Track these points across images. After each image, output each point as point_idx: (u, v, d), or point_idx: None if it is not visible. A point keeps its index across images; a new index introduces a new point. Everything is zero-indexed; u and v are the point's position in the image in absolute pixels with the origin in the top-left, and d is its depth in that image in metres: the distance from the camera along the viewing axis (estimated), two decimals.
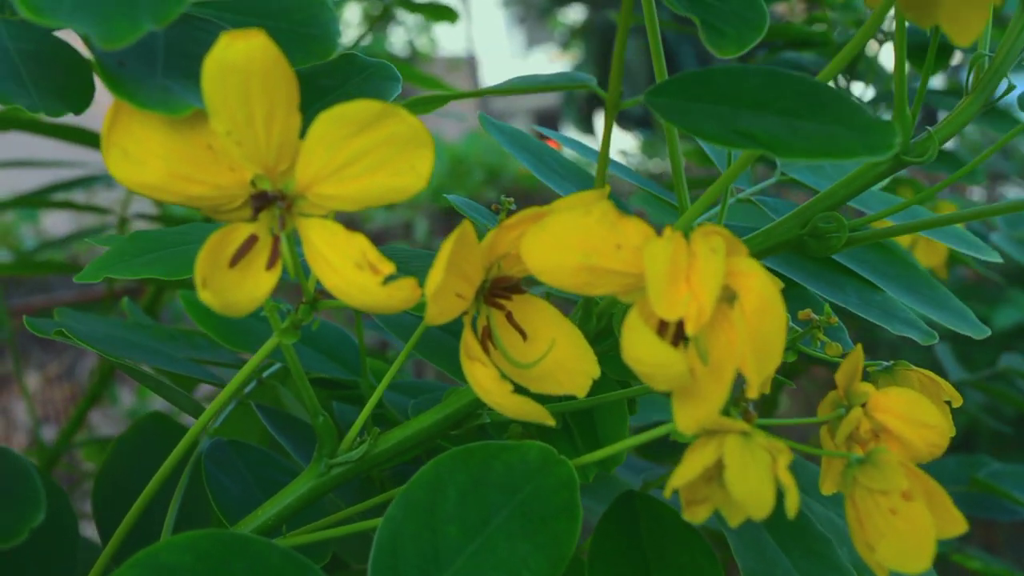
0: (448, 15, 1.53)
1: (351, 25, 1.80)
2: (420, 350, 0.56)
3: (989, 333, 0.64)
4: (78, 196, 1.39)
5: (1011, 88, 0.54)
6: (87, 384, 1.25)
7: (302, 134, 0.40)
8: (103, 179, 1.34)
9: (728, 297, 0.40)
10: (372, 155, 0.39)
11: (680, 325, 0.40)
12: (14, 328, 1.34)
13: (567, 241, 0.41)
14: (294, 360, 0.49)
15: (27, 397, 1.32)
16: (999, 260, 0.68)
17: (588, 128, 7.91)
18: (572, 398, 0.51)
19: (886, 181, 0.58)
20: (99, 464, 0.70)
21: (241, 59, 0.37)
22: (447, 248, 0.40)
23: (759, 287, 0.40)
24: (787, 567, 0.56)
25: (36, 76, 0.46)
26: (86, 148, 1.20)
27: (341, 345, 0.71)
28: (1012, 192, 3.51)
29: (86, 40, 0.39)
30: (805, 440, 0.56)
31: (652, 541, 0.60)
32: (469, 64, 11.55)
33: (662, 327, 0.41)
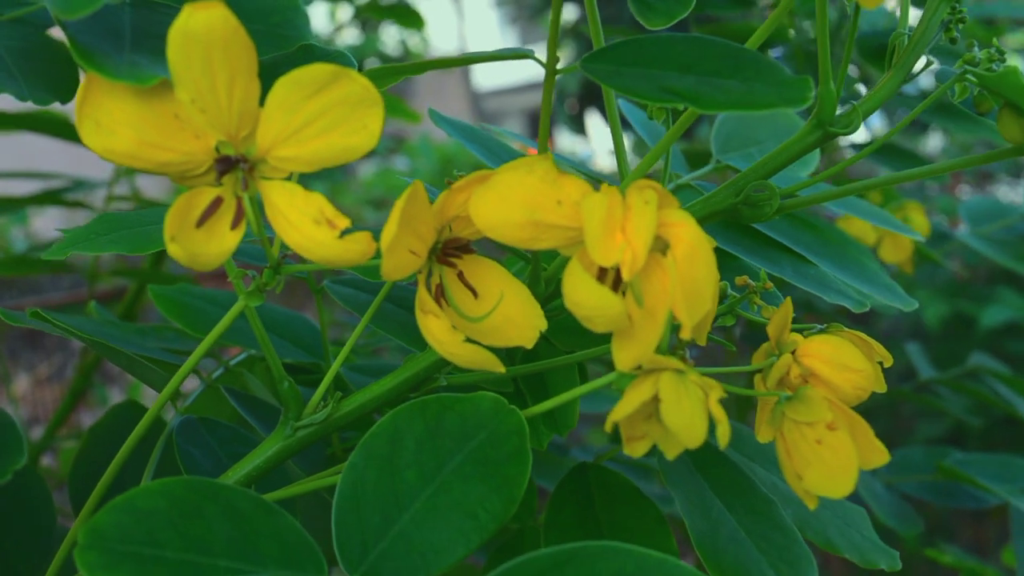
0: (416, 22, 1.56)
1: (343, 25, 1.83)
2: (376, 322, 0.59)
3: (917, 306, 0.68)
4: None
5: (929, 64, 0.58)
6: (72, 383, 1.27)
7: (262, 103, 0.43)
8: (86, 185, 1.36)
9: (662, 247, 0.44)
10: (327, 116, 0.42)
11: (618, 273, 0.44)
12: (5, 329, 1.36)
13: (511, 198, 0.44)
14: (258, 325, 0.51)
15: (9, 392, 1.34)
16: (920, 238, 0.72)
17: (580, 128, 7.93)
18: (527, 359, 0.55)
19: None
20: (75, 451, 0.72)
21: (202, 28, 0.40)
22: (399, 204, 0.43)
23: (689, 236, 0.43)
24: (732, 526, 0.59)
25: (24, 69, 0.50)
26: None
27: (304, 332, 0.74)
28: (1002, 191, 3.55)
29: (56, 19, 0.43)
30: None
31: (605, 508, 0.63)
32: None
33: (601, 275, 0.45)
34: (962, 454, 1.18)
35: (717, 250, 0.63)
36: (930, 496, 1.18)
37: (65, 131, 1.22)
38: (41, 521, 0.65)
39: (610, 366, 0.46)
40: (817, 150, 0.79)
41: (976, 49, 0.54)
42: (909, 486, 1.20)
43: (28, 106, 0.53)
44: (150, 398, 0.67)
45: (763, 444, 0.70)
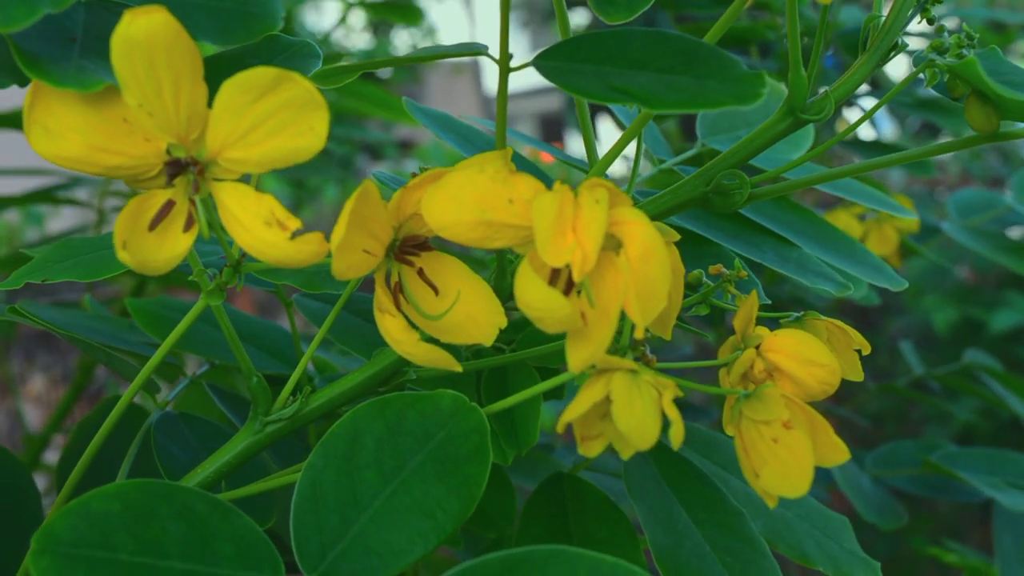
0: (412, 17, 1.55)
1: (355, 30, 1.84)
2: (334, 334, 0.59)
3: (907, 285, 0.67)
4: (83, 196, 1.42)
5: (902, 47, 0.57)
6: (73, 379, 1.28)
7: (211, 105, 0.43)
8: (81, 182, 1.37)
9: (615, 245, 0.43)
10: (273, 119, 0.41)
11: (570, 273, 0.43)
12: (22, 331, 1.37)
13: (462, 197, 0.44)
14: (225, 321, 0.51)
15: (14, 391, 1.36)
16: (912, 216, 0.71)
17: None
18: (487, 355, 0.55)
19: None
20: (64, 445, 0.73)
21: (143, 34, 0.40)
22: (348, 205, 0.43)
23: (642, 235, 0.43)
24: (697, 539, 0.58)
25: None
26: None
27: (279, 342, 0.74)
28: (1011, 196, 3.51)
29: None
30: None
31: (577, 519, 0.63)
32: (473, 68, 11.55)
33: (555, 275, 0.44)
34: (955, 447, 1.16)
35: (694, 236, 0.63)
36: (921, 490, 1.17)
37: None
38: (27, 512, 0.65)
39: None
40: (811, 133, 0.79)
41: (946, 35, 0.53)
42: (899, 480, 1.19)
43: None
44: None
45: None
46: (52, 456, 1.37)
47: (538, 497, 0.63)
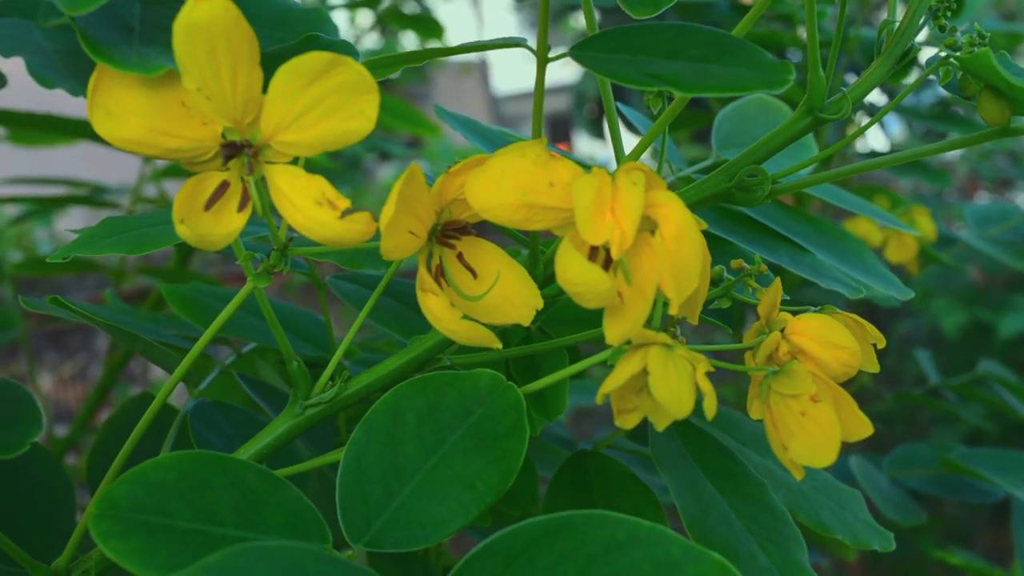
0: (435, 31, 1.58)
1: (363, 29, 1.86)
2: (373, 316, 0.61)
3: (913, 295, 0.69)
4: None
5: (917, 49, 0.59)
6: (99, 381, 1.30)
7: (265, 91, 0.45)
8: (112, 191, 1.39)
9: (650, 227, 0.45)
10: (326, 102, 0.44)
11: (608, 252, 0.45)
12: (29, 330, 1.39)
13: (505, 181, 0.46)
14: (267, 307, 0.53)
15: (39, 396, 1.37)
16: (917, 233, 0.73)
17: (598, 132, 7.90)
18: (521, 340, 0.56)
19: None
20: (93, 442, 0.74)
21: (205, 19, 0.42)
22: (397, 186, 0.45)
23: (677, 216, 0.45)
24: (723, 508, 0.60)
25: (72, 68, 0.53)
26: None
27: (311, 327, 0.76)
28: (1021, 198, 3.53)
29: (66, 15, 0.45)
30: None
31: (602, 494, 0.65)
32: (481, 69, 11.58)
33: (593, 254, 0.46)
34: (967, 448, 1.19)
35: (715, 237, 0.65)
36: (936, 491, 1.19)
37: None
38: (60, 502, 0.67)
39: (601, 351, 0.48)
40: (811, 143, 0.81)
41: (959, 34, 0.56)
42: (914, 480, 1.21)
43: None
44: None
45: (757, 430, 0.72)
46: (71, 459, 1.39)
47: (563, 474, 0.65)
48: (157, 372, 2.87)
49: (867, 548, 0.65)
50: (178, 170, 1.34)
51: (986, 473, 1.10)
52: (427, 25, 1.58)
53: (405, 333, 0.61)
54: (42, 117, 1.10)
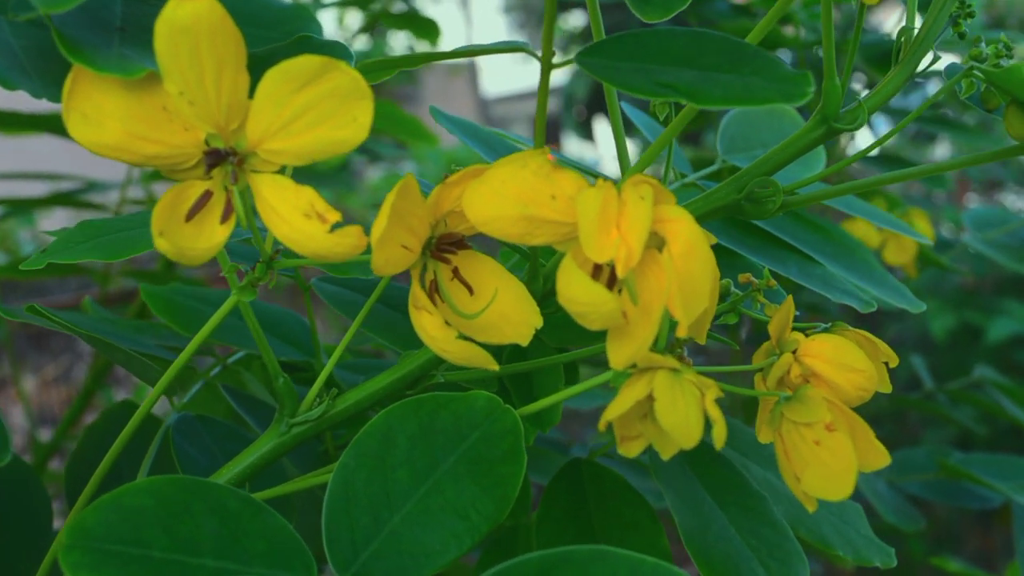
0: (431, 32, 1.55)
1: (351, 30, 1.83)
2: (367, 326, 0.58)
3: (924, 308, 0.67)
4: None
5: (936, 59, 0.57)
6: (83, 385, 1.27)
7: (252, 95, 0.42)
8: (99, 187, 1.36)
9: (658, 243, 0.43)
10: (316, 108, 0.41)
11: (613, 270, 0.43)
12: (11, 331, 1.36)
13: (505, 192, 0.44)
14: (253, 320, 0.51)
15: (23, 398, 1.34)
16: (926, 240, 0.71)
17: (587, 134, 7.88)
18: (516, 358, 0.54)
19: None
20: (73, 451, 0.72)
21: (189, 18, 0.39)
22: (390, 198, 0.42)
23: (686, 232, 0.42)
24: (723, 522, 0.58)
25: (39, 68, 0.50)
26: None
27: (296, 329, 0.74)
28: (1009, 199, 3.54)
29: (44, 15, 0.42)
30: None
31: (597, 504, 0.62)
32: (470, 70, 11.56)
33: (596, 272, 0.44)
34: (964, 454, 1.19)
35: (722, 248, 0.62)
36: (933, 496, 1.19)
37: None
38: (38, 519, 0.64)
39: (601, 366, 0.45)
40: (822, 152, 0.79)
41: (983, 45, 0.53)
42: (912, 485, 1.21)
43: (45, 107, 0.53)
44: None
45: (759, 442, 0.70)
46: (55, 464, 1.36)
47: (557, 483, 0.63)
48: None
49: (868, 564, 0.64)
50: None
51: (986, 478, 1.10)
52: (423, 26, 1.54)
53: (399, 342, 0.58)
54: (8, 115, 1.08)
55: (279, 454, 0.54)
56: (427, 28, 1.55)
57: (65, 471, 0.70)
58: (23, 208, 1.37)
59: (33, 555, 0.63)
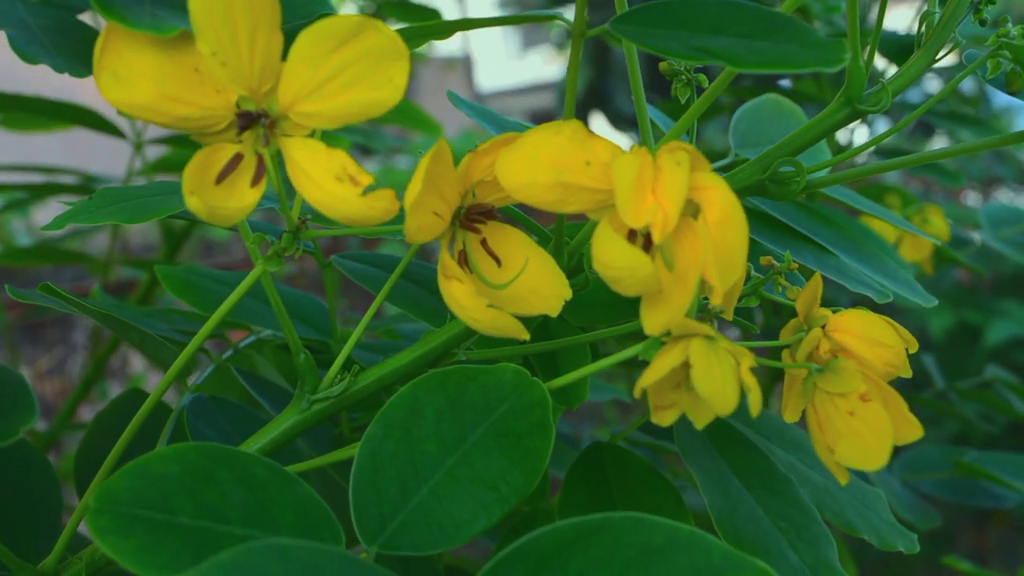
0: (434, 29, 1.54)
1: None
2: (392, 299, 0.58)
3: (936, 303, 0.67)
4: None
5: (959, 43, 0.57)
6: (79, 378, 1.26)
7: (284, 58, 0.42)
8: (101, 181, 1.35)
9: (693, 211, 0.43)
10: (351, 69, 0.40)
11: (647, 237, 0.42)
12: (6, 322, 1.35)
13: (539, 159, 0.43)
14: (274, 294, 0.50)
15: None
16: (938, 243, 0.71)
17: None
18: (540, 337, 0.54)
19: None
20: (82, 439, 0.71)
21: None
22: (425, 162, 0.42)
23: (721, 200, 0.42)
24: (751, 505, 0.57)
25: (59, 45, 0.50)
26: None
27: (313, 311, 0.73)
28: (1006, 196, 3.56)
29: None
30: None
31: (621, 488, 0.62)
32: (465, 64, 11.54)
33: (630, 239, 0.44)
34: (978, 452, 1.18)
35: None
36: (947, 494, 1.19)
37: (102, 124, 1.20)
38: (46, 500, 0.63)
39: (623, 346, 0.45)
40: (825, 145, 0.79)
41: (1010, 24, 0.53)
42: (926, 484, 1.21)
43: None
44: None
45: (782, 426, 0.69)
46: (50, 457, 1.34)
47: (578, 468, 0.62)
48: (136, 367, 2.83)
49: (892, 549, 0.63)
50: (171, 164, 1.30)
51: (1005, 477, 1.09)
52: (426, 15, 1.54)
53: (423, 315, 0.57)
54: (32, 100, 1.06)
55: (299, 431, 0.53)
56: (430, 18, 1.54)
57: (75, 460, 0.69)
58: (30, 195, 1.35)
59: (41, 538, 0.62)
